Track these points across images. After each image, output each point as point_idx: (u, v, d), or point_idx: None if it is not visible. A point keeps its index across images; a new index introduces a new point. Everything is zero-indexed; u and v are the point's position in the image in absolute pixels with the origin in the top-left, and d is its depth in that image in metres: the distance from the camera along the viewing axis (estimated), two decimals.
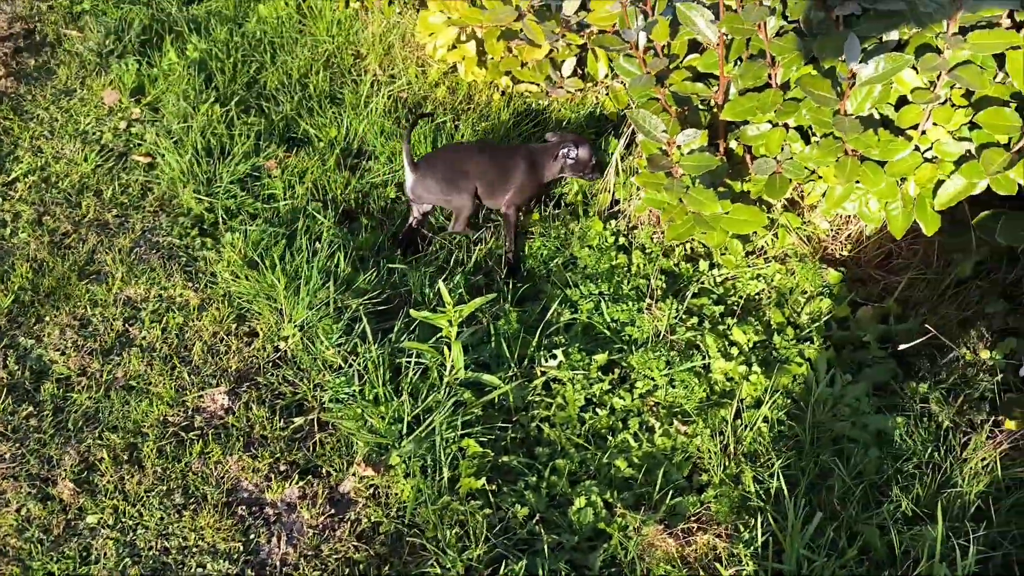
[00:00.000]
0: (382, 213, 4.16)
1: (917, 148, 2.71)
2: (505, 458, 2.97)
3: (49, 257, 3.49)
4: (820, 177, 3.28)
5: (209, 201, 3.92)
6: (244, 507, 2.68)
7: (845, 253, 3.84)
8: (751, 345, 3.54)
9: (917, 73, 2.59)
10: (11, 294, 3.29)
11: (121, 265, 3.50)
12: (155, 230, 3.75)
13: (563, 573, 2.56)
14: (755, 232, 3.87)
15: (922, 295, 3.61)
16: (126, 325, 3.28)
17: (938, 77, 2.55)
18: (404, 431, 2.92)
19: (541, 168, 3.94)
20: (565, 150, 3.84)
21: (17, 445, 2.78)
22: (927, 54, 2.47)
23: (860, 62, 2.47)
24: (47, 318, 3.24)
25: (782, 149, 3.06)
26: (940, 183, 2.70)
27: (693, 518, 2.85)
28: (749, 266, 3.88)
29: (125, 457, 2.79)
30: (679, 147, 2.98)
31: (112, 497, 2.66)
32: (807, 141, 3.20)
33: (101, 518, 2.60)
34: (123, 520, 2.60)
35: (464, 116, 4.71)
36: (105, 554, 2.49)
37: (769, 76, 2.94)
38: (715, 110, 3.33)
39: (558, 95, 4.69)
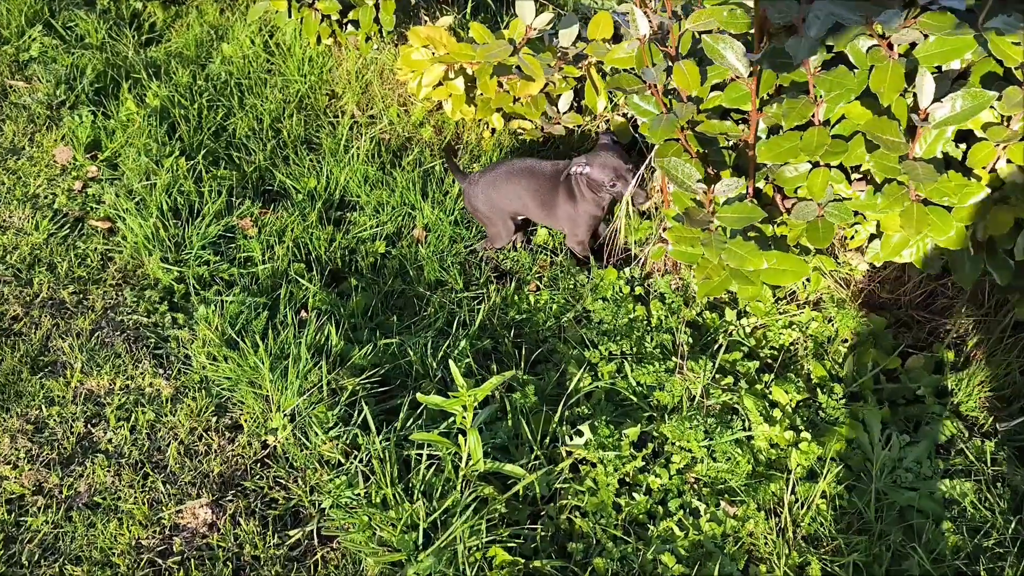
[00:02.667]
0: (372, 271, 3.76)
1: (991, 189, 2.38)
2: (536, 563, 2.57)
3: None
4: (864, 218, 2.94)
5: (178, 270, 3.49)
6: None
7: (885, 296, 3.50)
8: (794, 405, 3.18)
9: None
10: None
11: (80, 353, 3.06)
12: (118, 307, 3.32)
13: None
14: None
15: (975, 340, 3.29)
16: (88, 426, 2.85)
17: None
18: (420, 541, 2.51)
19: (575, 195, 3.55)
20: (575, 169, 3.41)
21: None
22: (1010, 88, 2.14)
23: (933, 101, 2.13)
24: None
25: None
26: (1019, 226, 2.37)
27: None
28: (780, 313, 3.54)
29: None
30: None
31: None
32: (848, 180, 2.87)
33: None
34: None
35: (455, 157, 4.33)
36: None
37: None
38: (742, 150, 2.99)
39: (555, 131, 4.34)
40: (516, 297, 3.69)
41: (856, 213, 2.89)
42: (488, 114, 4.34)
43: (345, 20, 4.75)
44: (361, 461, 2.67)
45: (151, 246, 3.54)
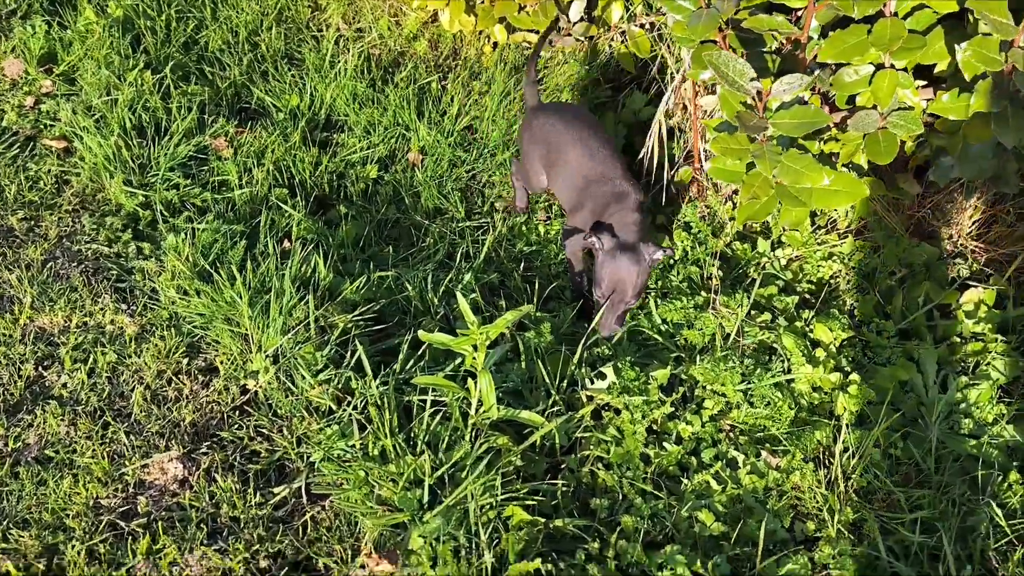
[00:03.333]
0: (363, 198, 3.37)
1: None
2: (558, 522, 2.24)
3: None
4: (933, 130, 2.56)
5: (144, 194, 3.08)
6: None
7: (936, 224, 3.14)
8: (839, 345, 2.85)
9: None
10: None
11: (31, 286, 2.67)
12: (75, 235, 2.91)
13: None
14: None
15: None
16: (39, 369, 2.47)
17: None
18: (426, 499, 2.17)
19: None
20: (591, 240, 2.70)
21: None
22: None
23: None
24: None
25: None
26: None
27: None
28: (819, 244, 3.18)
29: (41, 567, 1.99)
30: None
31: None
32: None
33: None
34: None
35: (452, 74, 3.90)
36: None
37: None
38: (788, 54, 2.58)
39: (564, 44, 3.90)
40: (524, 228, 3.32)
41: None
42: (490, 24, 3.91)
43: None
44: (355, 408, 2.32)
45: (112, 167, 3.12)
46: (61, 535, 2.06)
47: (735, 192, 3.32)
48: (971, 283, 2.96)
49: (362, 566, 2.05)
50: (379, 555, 2.04)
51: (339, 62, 3.79)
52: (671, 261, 3.10)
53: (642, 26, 3.73)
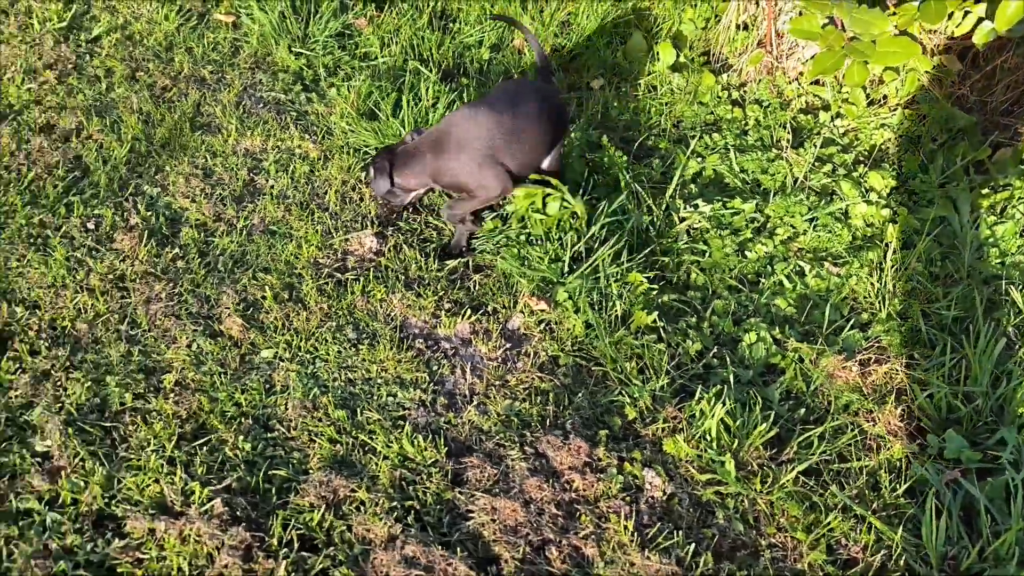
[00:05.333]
0: (479, 74, 3.96)
1: None
2: (665, 297, 2.86)
3: (155, 109, 3.28)
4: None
5: (307, 57, 3.70)
6: (420, 341, 2.56)
7: (974, 98, 3.70)
8: (888, 191, 3.43)
9: None
10: (126, 143, 3.09)
11: (232, 118, 3.30)
12: (256, 86, 3.54)
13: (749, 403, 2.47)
14: (881, 80, 3.73)
15: None
16: (251, 174, 3.10)
17: None
18: (565, 269, 2.79)
19: None
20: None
21: (171, 285, 2.62)
22: None
23: None
24: (167, 168, 3.05)
25: None
26: None
27: (865, 351, 2.77)
28: (872, 116, 3.75)
29: (286, 296, 2.65)
30: None
31: (282, 333, 2.53)
32: None
33: (276, 352, 2.47)
34: (300, 354, 2.47)
35: None
36: (289, 385, 2.37)
37: None
38: None
39: None
40: (617, 102, 3.90)
41: None
42: None
43: None
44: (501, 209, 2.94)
45: (278, 35, 3.73)
46: (295, 278, 2.71)
47: (800, 74, 3.89)
48: (1002, 142, 3.52)
49: (522, 309, 2.68)
50: (538, 299, 2.67)
51: None
52: (746, 127, 3.69)
53: None
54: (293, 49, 3.73)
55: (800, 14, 3.06)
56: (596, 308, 2.70)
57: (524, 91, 2.96)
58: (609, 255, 2.76)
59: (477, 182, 2.76)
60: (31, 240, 2.69)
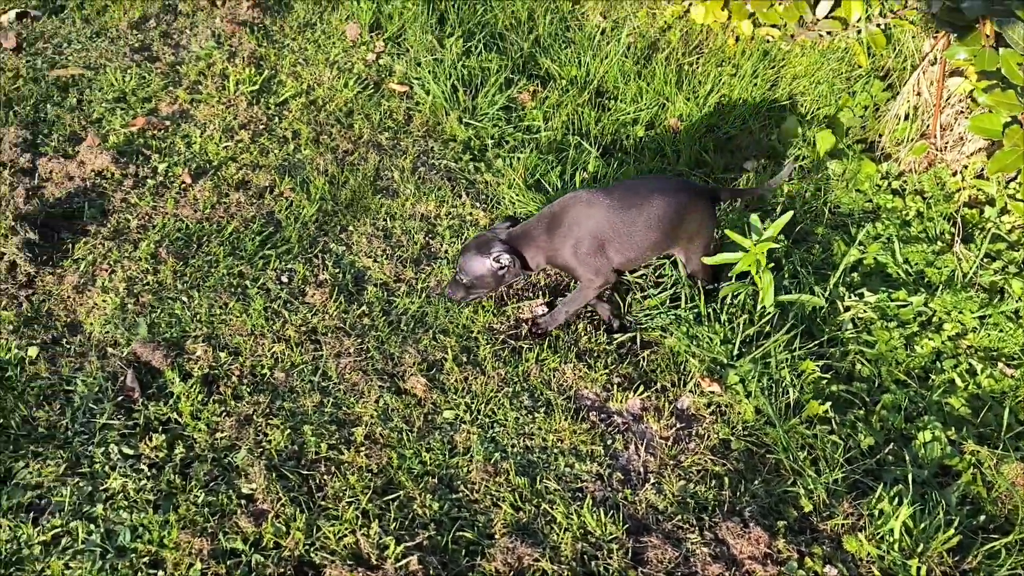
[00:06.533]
0: (635, 151, 4.06)
1: None
2: (833, 387, 2.83)
3: (338, 172, 3.50)
4: None
5: (474, 128, 3.88)
6: (593, 414, 2.61)
7: None
8: None
9: None
10: (314, 202, 3.29)
11: (409, 183, 3.48)
12: (428, 153, 3.73)
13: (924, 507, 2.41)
14: None
15: None
16: (427, 238, 3.26)
17: None
18: (735, 352, 2.81)
19: None
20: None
21: (359, 340, 2.76)
22: None
23: None
24: (351, 227, 3.24)
25: None
26: None
27: None
28: None
29: (464, 359, 2.75)
30: None
31: (462, 395, 2.62)
32: None
33: (457, 414, 2.56)
34: (480, 417, 2.56)
35: (702, 59, 4.57)
36: (471, 447, 2.44)
37: None
38: None
39: (807, 38, 4.51)
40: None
41: None
42: (741, 18, 4.56)
43: None
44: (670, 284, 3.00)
45: (449, 107, 3.93)
46: (472, 342, 2.81)
47: (964, 168, 3.84)
48: None
49: (696, 385, 2.70)
50: (711, 380, 2.69)
51: (608, 44, 4.53)
52: (907, 218, 3.65)
53: (879, 26, 4.32)
54: (463, 120, 3.92)
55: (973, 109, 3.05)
56: (767, 394, 2.70)
57: (652, 188, 2.89)
58: (783, 341, 2.76)
59: (582, 267, 2.80)
60: (232, 289, 2.89)
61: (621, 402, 2.66)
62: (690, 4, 4.75)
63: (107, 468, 2.29)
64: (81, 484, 2.25)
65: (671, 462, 2.47)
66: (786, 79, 4.44)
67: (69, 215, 3.13)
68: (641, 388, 2.70)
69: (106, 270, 2.90)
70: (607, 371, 2.75)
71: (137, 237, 3.06)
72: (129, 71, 3.98)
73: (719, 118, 4.28)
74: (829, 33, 4.47)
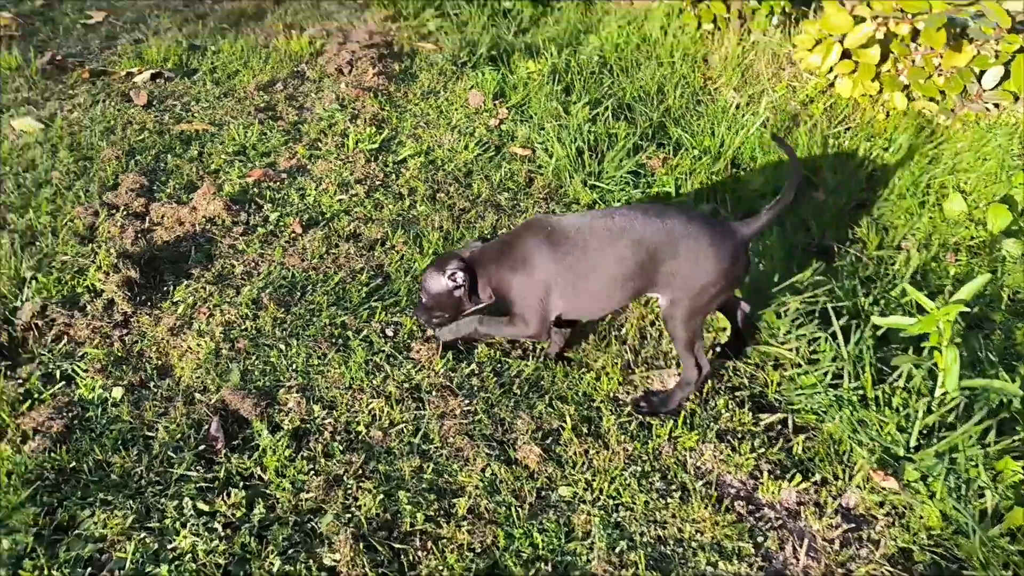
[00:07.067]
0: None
1: None
2: None
3: (454, 228, 3.27)
4: None
5: (599, 192, 3.61)
6: (740, 504, 2.17)
7: None
8: None
9: None
10: (427, 257, 3.06)
11: None
12: (548, 214, 3.46)
13: None
14: None
15: None
16: None
17: None
18: (912, 443, 2.32)
19: None
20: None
21: (466, 401, 2.44)
22: None
23: None
24: None
25: None
26: None
27: None
28: None
29: (584, 429, 2.37)
30: None
31: (581, 470, 2.24)
32: None
33: (576, 491, 2.17)
34: (602, 498, 2.16)
35: (849, 132, 4.20)
36: (592, 532, 2.04)
37: None
38: None
39: (971, 111, 4.08)
40: (935, 264, 3.46)
41: None
42: (894, 90, 4.19)
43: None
44: (827, 361, 2.55)
45: (573, 170, 3.69)
46: (594, 412, 2.44)
47: None
48: None
49: (865, 479, 2.22)
50: (885, 473, 2.21)
51: (744, 116, 4.23)
52: None
53: None
54: (587, 183, 3.67)
55: None
56: (956, 496, 2.19)
57: (636, 215, 2.35)
58: (974, 432, 2.27)
59: (519, 308, 2.40)
60: (333, 339, 2.64)
61: (773, 493, 2.21)
62: (835, 77, 4.41)
63: (178, 524, 2.01)
64: (148, 540, 1.97)
65: (839, 570, 2.00)
66: (947, 154, 4.00)
67: (175, 258, 2.99)
68: (797, 478, 2.24)
69: (204, 313, 2.71)
70: (754, 455, 2.31)
71: (240, 283, 2.89)
72: (251, 127, 3.94)
73: (871, 192, 3.86)
74: (997, 106, 4.03)
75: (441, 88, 4.63)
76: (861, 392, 2.48)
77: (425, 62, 4.96)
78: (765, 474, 2.26)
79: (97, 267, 2.82)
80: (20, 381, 2.43)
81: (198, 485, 2.13)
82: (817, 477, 2.29)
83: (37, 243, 3.03)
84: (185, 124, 3.95)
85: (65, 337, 2.61)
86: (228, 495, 2.09)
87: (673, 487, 2.21)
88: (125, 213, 3.18)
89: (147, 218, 3.20)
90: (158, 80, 4.41)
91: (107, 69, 4.52)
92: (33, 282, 2.78)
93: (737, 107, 4.45)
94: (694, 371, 2.42)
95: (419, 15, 5.86)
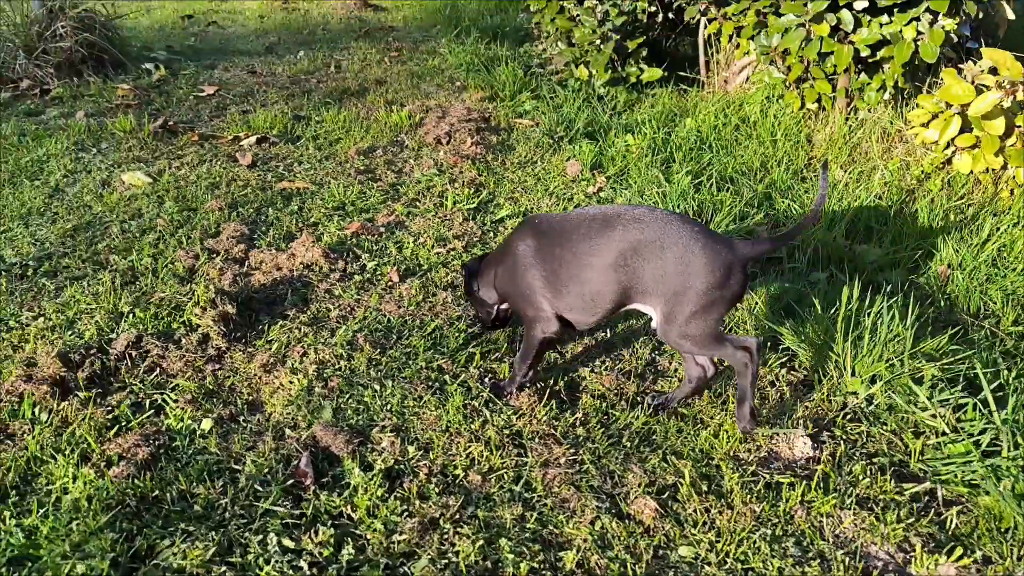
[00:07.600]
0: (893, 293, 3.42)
1: None
2: None
3: None
4: None
5: None
6: None
7: None
8: None
9: None
10: None
11: None
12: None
13: None
14: None
15: None
16: (652, 354, 2.76)
17: None
18: None
19: None
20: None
21: (571, 451, 2.24)
22: None
23: None
24: (565, 336, 2.80)
25: None
26: None
27: None
28: None
29: (704, 487, 2.13)
30: None
31: (703, 530, 1.99)
32: None
33: (698, 552, 1.92)
34: (728, 560, 1.90)
35: (969, 210, 3.96)
36: None
37: None
38: None
39: None
40: None
41: None
42: (1021, 164, 3.95)
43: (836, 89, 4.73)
44: (976, 430, 2.26)
45: None
46: (713, 469, 2.20)
47: None
48: None
49: None
50: None
51: (860, 189, 4.05)
52: None
53: None
54: None
55: None
56: None
57: (625, 216, 2.22)
58: None
59: (521, 302, 2.39)
60: (429, 382, 2.50)
61: (929, 568, 1.91)
62: (953, 152, 4.20)
63: (261, 560, 1.85)
64: (229, 574, 1.80)
65: None
66: None
67: (271, 300, 2.94)
68: (957, 551, 1.94)
69: (299, 352, 2.61)
70: (902, 526, 2.02)
71: (336, 325, 2.80)
72: (351, 187, 3.95)
73: (1004, 268, 3.58)
74: None
75: (538, 159, 4.61)
76: (1022, 463, 2.17)
77: (522, 135, 4.97)
78: (918, 547, 1.96)
79: (195, 303, 2.77)
80: (109, 408, 2.35)
81: (284, 521, 1.97)
82: (978, 554, 1.97)
83: (137, 282, 3.02)
84: (287, 182, 3.99)
85: (158, 368, 2.53)
86: (316, 533, 1.92)
87: (810, 555, 1.94)
88: (225, 257, 3.16)
89: (246, 263, 3.17)
90: (263, 144, 4.51)
91: (215, 134, 4.66)
92: (131, 316, 2.74)
93: (846, 185, 4.27)
94: (741, 355, 2.19)
95: (515, 96, 5.94)
